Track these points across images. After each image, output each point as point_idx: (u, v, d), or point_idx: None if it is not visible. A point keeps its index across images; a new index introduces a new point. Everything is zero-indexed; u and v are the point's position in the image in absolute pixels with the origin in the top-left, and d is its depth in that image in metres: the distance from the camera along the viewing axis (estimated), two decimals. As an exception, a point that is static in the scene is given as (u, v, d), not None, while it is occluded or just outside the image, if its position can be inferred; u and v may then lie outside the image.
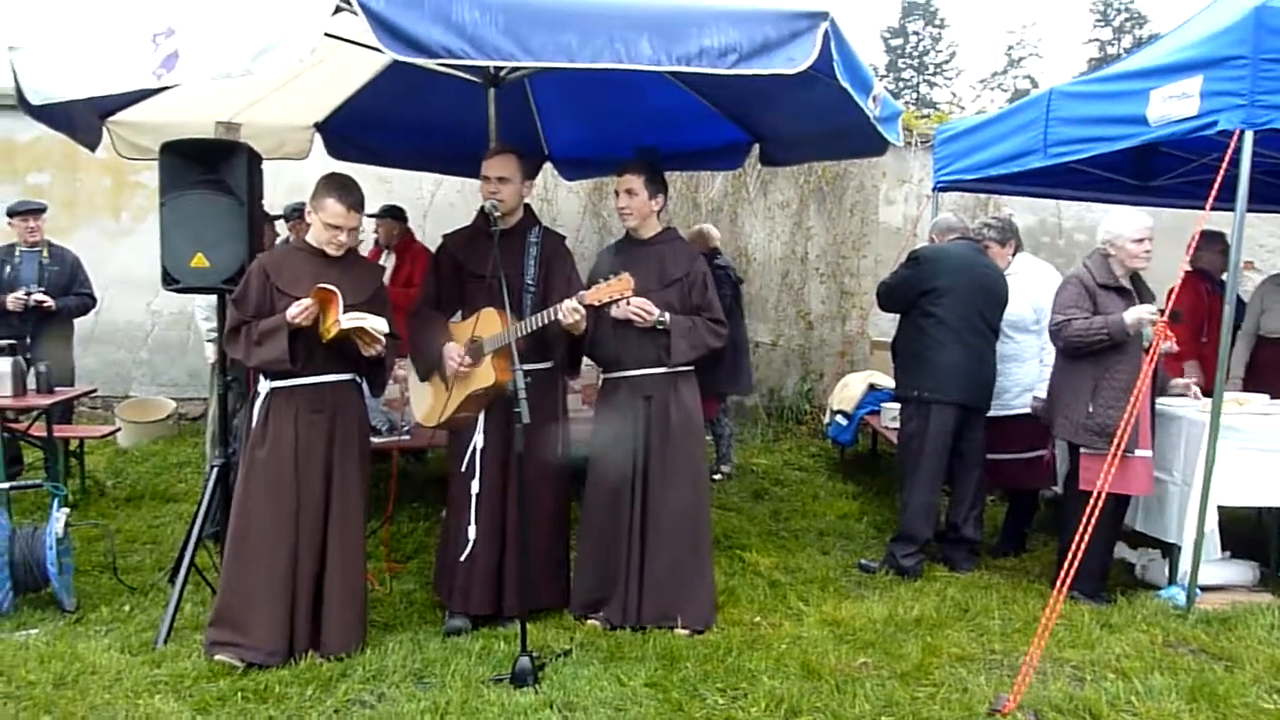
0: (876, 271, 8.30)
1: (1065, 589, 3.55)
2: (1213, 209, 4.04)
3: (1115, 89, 4.57)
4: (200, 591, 4.22)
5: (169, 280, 4.09)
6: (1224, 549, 4.49)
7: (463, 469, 4.00)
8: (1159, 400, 4.54)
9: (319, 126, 5.96)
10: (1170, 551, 4.52)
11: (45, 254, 6.46)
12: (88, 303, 6.64)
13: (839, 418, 7.29)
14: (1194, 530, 4.25)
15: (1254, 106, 3.89)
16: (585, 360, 4.33)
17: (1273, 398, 4.80)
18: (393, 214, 6.80)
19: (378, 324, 3.62)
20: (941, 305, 4.80)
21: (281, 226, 6.27)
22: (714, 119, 5.42)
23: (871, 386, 7.17)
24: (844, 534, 5.68)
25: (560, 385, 4.26)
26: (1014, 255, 5.33)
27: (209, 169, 4.07)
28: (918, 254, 5.04)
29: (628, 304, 3.91)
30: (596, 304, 3.77)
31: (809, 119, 4.76)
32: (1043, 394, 4.80)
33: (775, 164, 6.25)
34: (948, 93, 41.36)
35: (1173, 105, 4.15)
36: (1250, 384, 5.55)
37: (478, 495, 3.96)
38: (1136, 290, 4.46)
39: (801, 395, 8.90)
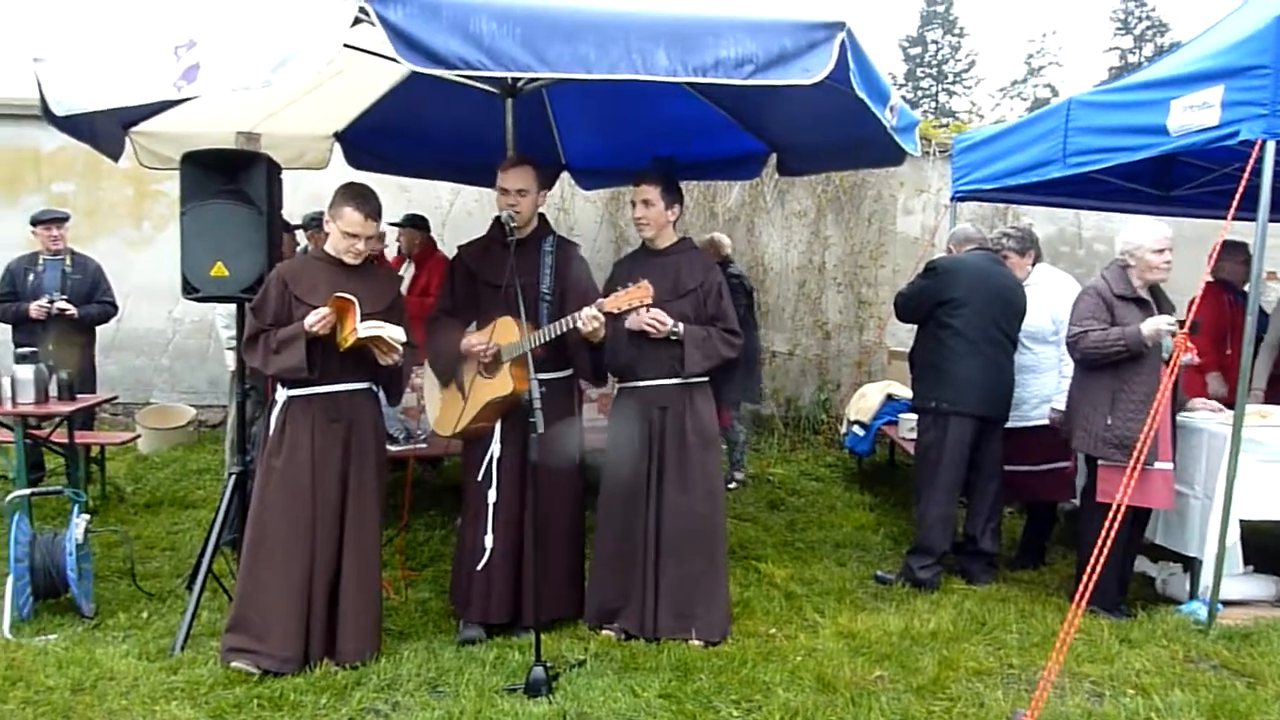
0: (894, 281, 8.27)
1: (1084, 603, 3.52)
2: (1234, 219, 4.00)
3: (1135, 98, 4.54)
4: (218, 598, 4.24)
5: (189, 289, 4.12)
6: (1246, 563, 4.45)
7: (479, 478, 4.00)
8: (1180, 414, 4.50)
9: (338, 136, 6.00)
10: (1191, 565, 4.48)
11: (68, 262, 6.54)
12: (109, 310, 6.71)
13: (856, 428, 7.26)
14: (1215, 544, 4.20)
15: (1276, 116, 3.84)
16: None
17: (1295, 410, 4.74)
18: (415, 223, 6.85)
19: (395, 333, 3.64)
20: (959, 316, 4.78)
21: (301, 236, 6.32)
22: (731, 129, 5.42)
23: (889, 397, 7.14)
24: (860, 545, 5.65)
25: (576, 394, 4.27)
26: (1033, 265, 5.30)
27: (229, 179, 4.11)
28: (935, 264, 5.02)
29: (646, 311, 3.91)
30: (615, 311, 3.78)
31: (826, 129, 4.75)
32: (1061, 405, 4.77)
33: (792, 174, 6.25)
34: (967, 102, 41.26)
35: (1193, 115, 4.12)
36: (1272, 396, 5.48)
37: (495, 505, 3.97)
38: (1155, 301, 4.42)
39: (818, 405, 8.87)
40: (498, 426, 4.01)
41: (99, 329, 6.80)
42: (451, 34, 2.90)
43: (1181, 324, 4.13)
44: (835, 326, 8.93)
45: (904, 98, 4.26)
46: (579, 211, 8.69)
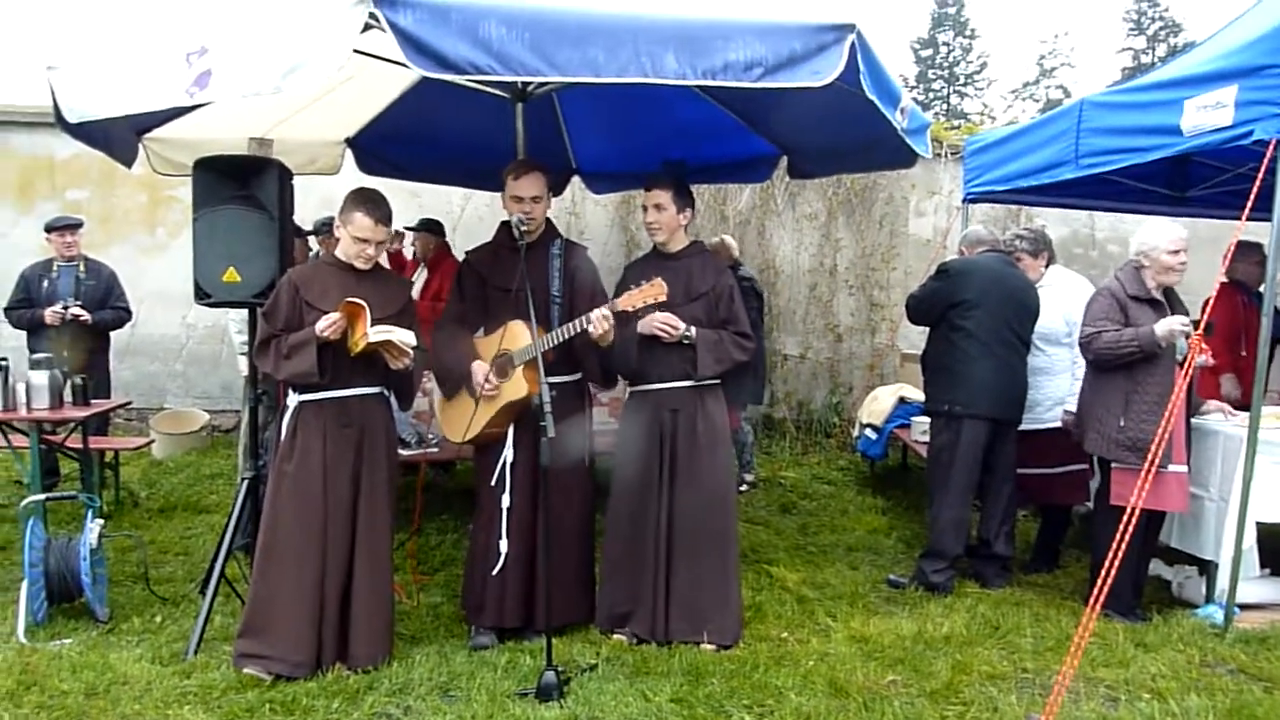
0: (906, 284, 8.24)
1: (1098, 606, 3.49)
2: (1249, 219, 3.98)
3: (1148, 99, 4.52)
4: (230, 603, 4.26)
5: (201, 295, 4.14)
6: (1263, 566, 4.40)
7: (493, 483, 4.00)
8: (1193, 417, 4.47)
9: (350, 142, 6.03)
10: (1207, 569, 4.44)
11: (82, 269, 6.58)
12: (123, 316, 6.74)
13: (868, 431, 7.23)
14: (1232, 547, 4.17)
15: (1290, 116, 3.82)
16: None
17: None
18: (429, 227, 6.86)
19: (405, 337, 3.64)
20: (971, 318, 4.76)
21: (313, 242, 6.34)
22: (741, 132, 5.42)
23: (901, 400, 7.12)
24: (873, 549, 5.63)
25: (586, 397, 4.27)
26: (1046, 267, 5.27)
27: (241, 185, 4.13)
28: (947, 266, 5.00)
29: (658, 315, 3.91)
30: (629, 310, 3.78)
31: (836, 132, 4.74)
32: (1073, 407, 4.74)
33: (803, 176, 6.24)
34: (978, 103, 41.14)
35: (1207, 115, 4.10)
36: (1289, 398, 5.45)
37: (509, 509, 3.96)
38: (1169, 303, 4.39)
39: (830, 408, 8.85)
40: (510, 431, 4.01)
41: (113, 335, 6.84)
42: (461, 38, 2.90)
43: (1196, 325, 4.10)
44: (847, 329, 8.91)
45: (915, 100, 4.24)
46: (590, 215, 8.70)
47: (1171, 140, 4.31)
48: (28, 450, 5.44)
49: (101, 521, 4.38)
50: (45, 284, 6.49)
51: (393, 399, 3.94)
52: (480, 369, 3.93)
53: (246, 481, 4.32)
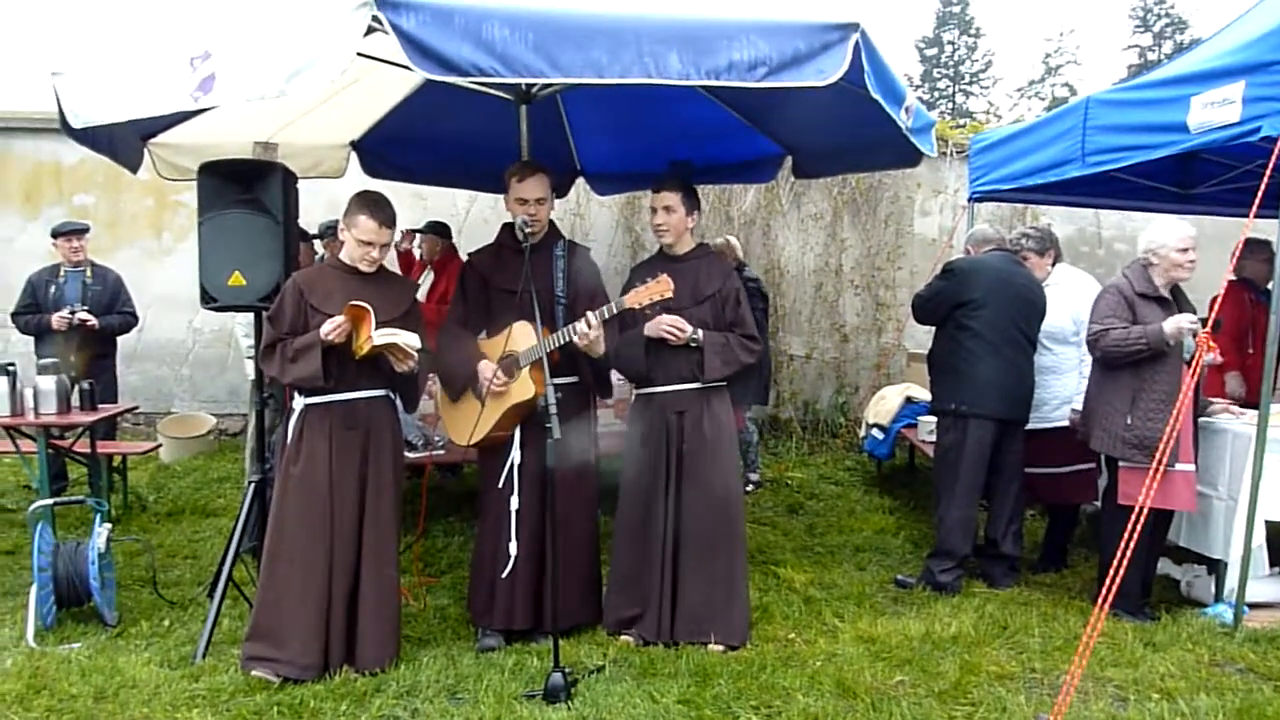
0: (912, 283, 8.23)
1: (1107, 606, 3.47)
2: (1257, 216, 3.95)
3: (1155, 96, 4.50)
4: (238, 606, 4.27)
5: (207, 299, 4.15)
6: (1272, 565, 4.38)
7: (500, 485, 4.00)
8: (1200, 417, 4.45)
9: (354, 145, 6.03)
10: (1216, 567, 4.42)
11: (88, 273, 6.59)
12: (130, 321, 6.76)
13: (875, 431, 7.22)
14: (1241, 546, 4.15)
15: (1298, 112, 3.80)
16: (617, 376, 4.32)
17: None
18: (436, 230, 6.87)
19: (410, 339, 3.65)
20: (978, 317, 4.75)
21: (319, 245, 6.35)
22: (746, 132, 5.41)
23: (908, 399, 7.10)
24: (880, 549, 5.61)
25: (591, 398, 4.26)
26: (1053, 265, 5.26)
27: (246, 189, 4.14)
28: (953, 265, 4.98)
29: (666, 315, 3.90)
30: (637, 306, 3.77)
31: (841, 131, 4.73)
32: (1080, 406, 4.72)
33: (808, 176, 6.23)
34: (984, 102, 41.10)
35: (1214, 112, 4.08)
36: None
37: (517, 512, 3.96)
38: (1176, 301, 4.37)
39: (836, 408, 8.84)
40: (517, 433, 4.00)
41: (120, 339, 6.85)
42: (464, 40, 2.91)
43: (1204, 323, 4.08)
44: (853, 329, 8.90)
45: (920, 99, 4.24)
46: (594, 216, 8.70)
47: (1178, 137, 4.29)
48: (36, 455, 5.46)
49: (109, 526, 4.39)
50: (52, 289, 6.51)
51: (398, 401, 3.94)
52: (488, 368, 3.93)
53: (254, 485, 4.33)
